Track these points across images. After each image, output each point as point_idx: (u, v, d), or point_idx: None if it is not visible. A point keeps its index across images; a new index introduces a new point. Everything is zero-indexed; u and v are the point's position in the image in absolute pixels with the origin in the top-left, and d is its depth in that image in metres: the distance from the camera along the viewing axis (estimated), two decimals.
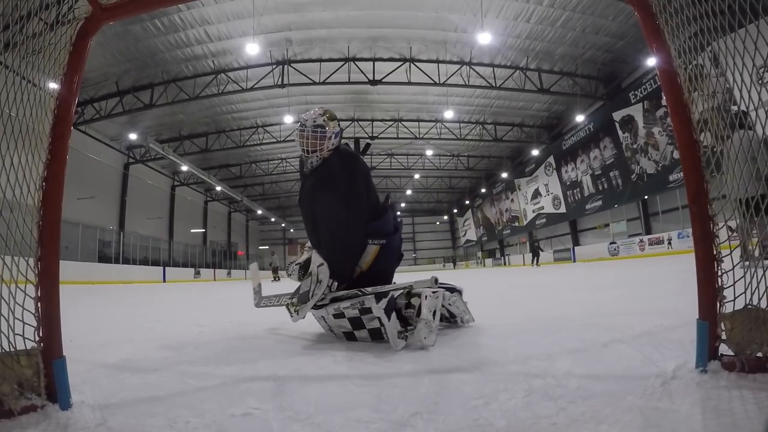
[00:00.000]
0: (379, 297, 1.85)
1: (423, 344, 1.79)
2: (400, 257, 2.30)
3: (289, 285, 2.59)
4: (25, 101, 1.16)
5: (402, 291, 1.98)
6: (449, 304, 2.19)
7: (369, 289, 1.93)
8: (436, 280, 1.97)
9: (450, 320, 2.26)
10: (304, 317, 2.05)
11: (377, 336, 1.94)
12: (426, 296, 1.88)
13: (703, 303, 1.13)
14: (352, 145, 2.37)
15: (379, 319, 1.84)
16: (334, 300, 2.01)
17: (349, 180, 2.08)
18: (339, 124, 2.14)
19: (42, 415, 1.04)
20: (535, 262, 20.14)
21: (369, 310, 1.88)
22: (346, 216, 2.07)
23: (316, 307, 2.03)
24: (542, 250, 21.93)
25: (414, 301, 1.93)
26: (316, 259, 2.01)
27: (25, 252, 1.11)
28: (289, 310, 1.97)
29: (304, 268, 2.16)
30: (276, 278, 19.63)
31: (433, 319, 1.85)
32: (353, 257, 2.10)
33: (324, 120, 2.05)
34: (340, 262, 2.04)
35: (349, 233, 2.08)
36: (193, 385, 1.38)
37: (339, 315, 1.98)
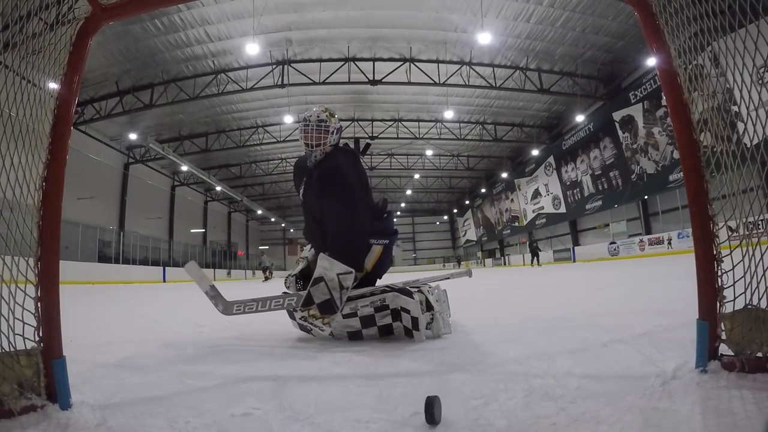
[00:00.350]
0: (409, 294, 1.88)
1: (442, 333, 1.85)
2: (392, 261, 2.28)
3: (278, 287, 2.54)
4: (25, 101, 1.16)
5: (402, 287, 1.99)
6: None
7: (398, 285, 1.97)
8: (470, 273, 2.20)
9: None
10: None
11: (386, 332, 1.95)
12: (428, 290, 1.92)
13: (703, 303, 1.13)
14: (351, 145, 2.38)
15: (409, 312, 1.86)
16: (347, 300, 1.98)
17: (356, 177, 2.12)
18: (339, 122, 2.19)
19: (42, 415, 1.04)
20: (535, 261, 20.19)
21: (386, 307, 1.90)
22: (356, 215, 2.07)
23: None
24: (541, 250, 21.99)
25: (418, 296, 1.95)
26: (335, 266, 1.90)
27: (25, 252, 1.11)
28: (312, 324, 1.90)
29: (301, 279, 2.15)
30: (267, 278, 19.57)
31: (440, 309, 1.93)
32: (361, 256, 2.10)
33: (326, 116, 2.13)
34: (353, 261, 2.02)
35: (357, 232, 2.09)
36: (193, 385, 1.38)
37: (350, 315, 1.96)
